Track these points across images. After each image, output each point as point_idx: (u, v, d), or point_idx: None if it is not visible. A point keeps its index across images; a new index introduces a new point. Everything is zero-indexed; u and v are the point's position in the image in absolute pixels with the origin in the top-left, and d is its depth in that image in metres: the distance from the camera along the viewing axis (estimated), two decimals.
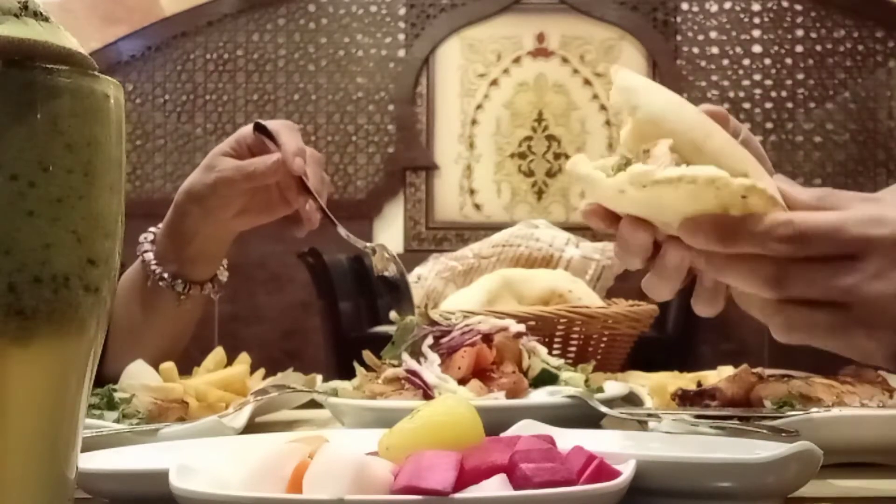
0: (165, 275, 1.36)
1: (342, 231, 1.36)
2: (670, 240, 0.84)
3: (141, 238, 1.39)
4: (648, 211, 0.84)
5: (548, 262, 1.64)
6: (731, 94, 5.29)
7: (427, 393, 1.06)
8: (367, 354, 1.18)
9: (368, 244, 1.37)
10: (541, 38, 5.36)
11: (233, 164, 1.33)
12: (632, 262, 0.86)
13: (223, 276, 1.43)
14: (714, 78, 5.30)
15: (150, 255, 1.37)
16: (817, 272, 0.78)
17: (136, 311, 1.39)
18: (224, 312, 4.21)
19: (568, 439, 0.69)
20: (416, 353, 1.12)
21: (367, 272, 4.75)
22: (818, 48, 5.26)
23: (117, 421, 0.98)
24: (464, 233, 5.22)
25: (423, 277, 1.65)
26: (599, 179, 0.83)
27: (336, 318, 4.23)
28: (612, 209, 0.85)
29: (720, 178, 0.79)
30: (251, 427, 1.04)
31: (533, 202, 5.33)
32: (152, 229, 1.40)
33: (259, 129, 1.35)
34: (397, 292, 1.30)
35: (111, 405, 1.02)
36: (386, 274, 1.33)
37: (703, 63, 5.31)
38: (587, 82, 5.34)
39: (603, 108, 5.33)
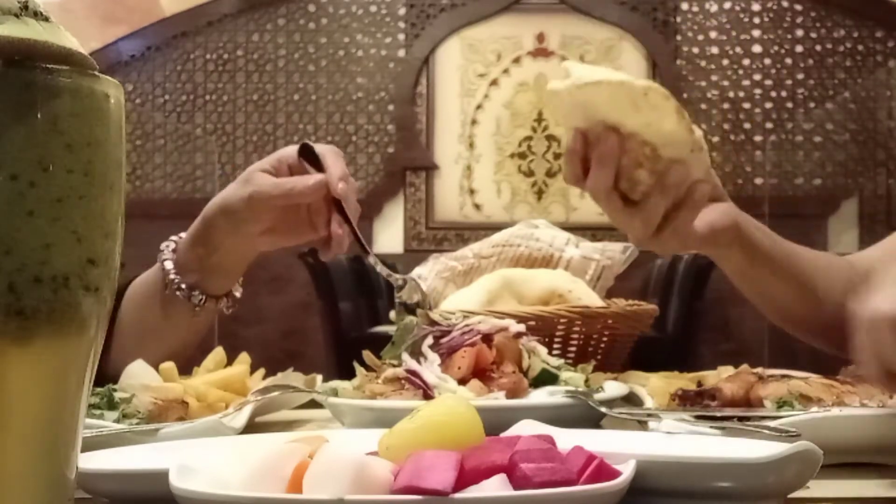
0: (183, 285, 1.37)
1: (372, 260, 1.38)
2: (605, 129, 1.18)
3: (162, 246, 1.40)
4: (586, 113, 1.18)
5: (548, 262, 1.64)
6: (731, 94, 5.29)
7: (427, 393, 1.06)
8: (367, 354, 1.18)
9: (399, 276, 1.38)
10: (541, 38, 5.36)
11: (271, 181, 1.34)
12: (571, 168, 1.25)
13: (238, 291, 1.44)
14: (714, 78, 5.30)
15: (169, 264, 1.37)
16: None
17: (148, 316, 1.40)
18: (224, 313, 4.21)
19: (568, 439, 0.69)
20: (416, 353, 1.12)
21: (366, 272, 4.76)
22: (818, 48, 5.26)
23: (117, 421, 0.98)
24: (464, 233, 5.23)
25: (423, 277, 1.64)
26: (557, 87, 1.17)
27: (336, 318, 4.24)
28: (570, 124, 1.20)
29: (626, 80, 1.14)
30: (251, 427, 1.04)
31: (533, 202, 5.33)
32: (174, 238, 1.40)
33: (304, 151, 1.36)
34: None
35: (111, 405, 1.02)
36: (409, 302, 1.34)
37: (703, 63, 5.31)
38: None
39: None
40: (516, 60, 5.37)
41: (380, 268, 1.38)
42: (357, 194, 1.39)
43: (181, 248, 1.38)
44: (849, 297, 1.37)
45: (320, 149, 1.36)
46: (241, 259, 1.41)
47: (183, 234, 1.40)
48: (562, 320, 1.40)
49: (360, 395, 1.10)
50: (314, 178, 1.33)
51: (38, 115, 0.47)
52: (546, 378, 1.11)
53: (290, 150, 1.38)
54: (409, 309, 1.29)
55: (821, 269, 1.41)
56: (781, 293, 1.38)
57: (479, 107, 5.37)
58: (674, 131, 1.16)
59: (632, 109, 1.15)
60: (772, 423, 0.88)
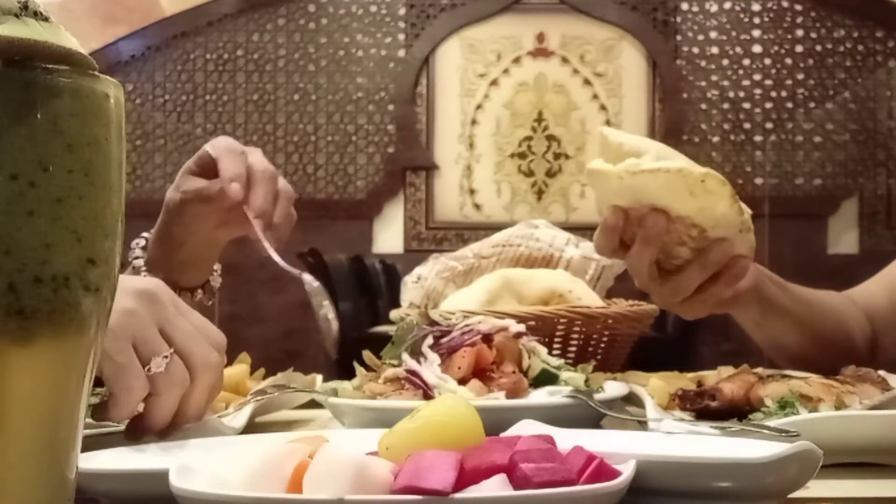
0: None
1: (276, 257, 1.34)
2: (652, 211, 1.17)
3: (133, 244, 1.39)
4: (634, 195, 1.17)
5: (548, 262, 1.64)
6: (731, 94, 5.29)
7: (427, 393, 1.06)
8: (367, 354, 1.18)
9: (297, 271, 1.37)
10: (541, 38, 5.36)
11: (192, 187, 1.34)
12: (608, 243, 1.22)
13: (216, 281, 1.43)
14: (714, 78, 5.30)
15: (139, 262, 1.37)
16: None
17: None
18: (224, 312, 4.21)
19: (568, 439, 0.69)
20: (416, 353, 1.12)
21: (366, 272, 4.76)
22: (818, 48, 5.26)
23: (117, 421, 0.98)
24: (464, 233, 5.23)
25: (423, 277, 1.64)
26: (607, 169, 1.16)
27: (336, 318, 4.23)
28: (613, 202, 1.19)
29: (686, 167, 1.14)
30: (251, 427, 1.04)
31: (533, 202, 5.33)
32: (144, 234, 1.40)
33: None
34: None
35: None
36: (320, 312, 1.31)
37: (703, 63, 5.31)
38: (587, 82, 5.34)
39: (603, 108, 5.33)
40: (516, 60, 5.37)
41: (283, 265, 1.36)
42: (274, 181, 1.33)
43: (150, 245, 1.38)
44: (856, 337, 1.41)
45: (215, 150, 1.34)
46: (209, 250, 1.40)
47: (153, 231, 1.39)
48: (562, 320, 1.40)
49: (360, 395, 1.09)
50: (217, 184, 1.32)
51: (38, 115, 0.47)
52: (546, 378, 1.11)
53: (203, 151, 1.37)
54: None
55: (830, 313, 1.43)
56: (794, 341, 1.40)
57: (479, 107, 5.37)
58: (726, 214, 1.17)
59: (686, 195, 1.15)
60: (772, 423, 0.88)
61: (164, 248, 1.36)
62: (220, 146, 1.35)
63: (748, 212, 1.20)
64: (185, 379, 0.90)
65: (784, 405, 0.95)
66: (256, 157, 1.34)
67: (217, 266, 1.43)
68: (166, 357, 0.88)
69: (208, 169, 1.35)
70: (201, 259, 1.39)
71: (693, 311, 1.28)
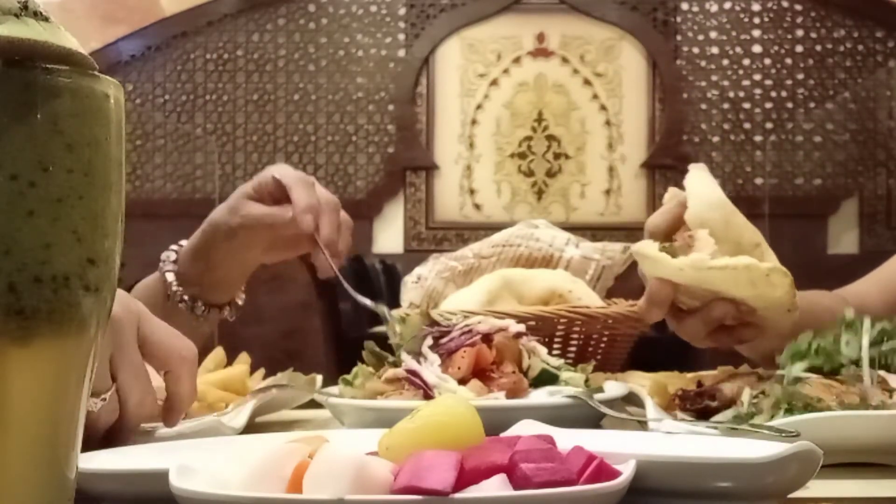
0: (186, 296, 1.36)
1: (349, 289, 1.37)
2: (717, 300, 1.19)
3: (163, 256, 1.39)
4: (694, 282, 1.18)
5: (548, 262, 1.64)
6: (731, 94, 5.29)
7: (427, 393, 1.06)
8: (370, 346, 1.18)
9: (370, 302, 1.38)
10: (541, 38, 5.36)
11: (255, 213, 1.34)
12: (659, 313, 1.21)
13: (240, 299, 1.44)
14: (714, 78, 5.30)
15: (171, 276, 1.37)
16: None
17: None
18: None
19: (568, 439, 0.69)
20: (416, 353, 1.12)
21: (367, 272, 4.76)
22: (818, 48, 5.26)
23: None
24: (464, 233, 5.22)
25: (423, 277, 1.64)
26: (667, 261, 1.17)
27: (336, 318, 4.23)
28: (664, 277, 1.19)
29: (752, 264, 1.15)
30: (251, 427, 1.04)
31: (533, 202, 5.33)
32: (174, 247, 1.39)
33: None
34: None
35: None
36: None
37: (703, 63, 5.31)
38: (587, 82, 5.34)
39: (603, 108, 5.33)
40: (516, 60, 5.37)
41: (359, 298, 1.38)
42: (338, 210, 1.36)
43: (182, 261, 1.38)
44: None
45: (287, 179, 1.35)
46: (242, 273, 1.41)
47: (184, 242, 1.39)
48: (562, 320, 1.40)
49: (361, 395, 1.10)
50: (288, 212, 1.33)
51: (38, 115, 0.47)
52: (546, 378, 1.11)
53: (268, 176, 1.37)
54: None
55: (825, 315, 1.42)
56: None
57: (479, 107, 5.37)
58: (780, 298, 1.20)
59: (747, 285, 1.17)
60: (772, 423, 0.88)
61: (200, 265, 1.36)
62: (290, 175, 1.37)
63: (797, 294, 1.23)
64: (109, 422, 0.91)
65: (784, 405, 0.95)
66: (321, 188, 1.37)
67: (243, 285, 1.44)
68: (104, 399, 0.89)
69: (269, 195, 1.36)
70: (234, 280, 1.40)
71: (708, 345, 1.31)
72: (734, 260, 1.16)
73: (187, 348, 0.95)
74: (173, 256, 1.39)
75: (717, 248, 1.17)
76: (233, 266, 1.37)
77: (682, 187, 1.25)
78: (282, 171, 1.38)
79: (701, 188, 1.22)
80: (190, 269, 1.37)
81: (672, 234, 1.22)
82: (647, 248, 1.20)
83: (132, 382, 0.91)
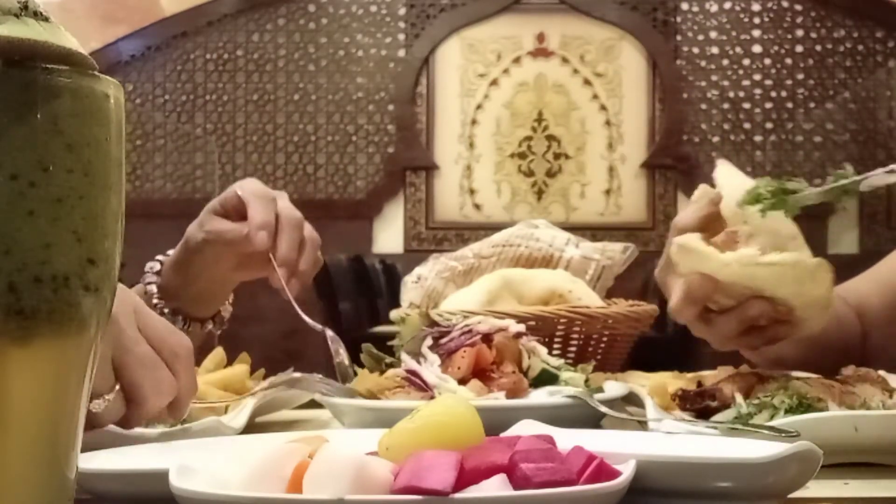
0: (166, 310, 1.35)
1: (297, 309, 1.34)
2: (754, 298, 1.14)
3: (147, 267, 1.38)
4: (738, 279, 1.13)
5: (548, 262, 1.63)
6: (731, 94, 5.29)
7: (427, 393, 1.06)
8: (368, 348, 1.18)
9: (320, 326, 1.37)
10: (541, 38, 5.36)
11: (217, 228, 1.32)
12: (692, 310, 1.16)
13: (227, 311, 1.42)
14: (714, 78, 5.30)
15: (153, 288, 1.36)
16: None
17: None
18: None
19: (568, 439, 0.69)
20: (416, 354, 1.12)
21: (366, 272, 4.76)
22: (818, 48, 5.26)
23: None
24: (464, 233, 5.23)
25: (423, 277, 1.64)
26: (713, 254, 1.13)
27: (336, 318, 4.23)
28: (703, 271, 1.14)
29: (801, 260, 1.12)
30: (251, 427, 1.04)
31: (533, 202, 5.33)
32: (159, 258, 1.38)
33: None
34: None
35: None
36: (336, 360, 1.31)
37: (703, 63, 5.31)
38: (587, 82, 5.34)
39: (603, 108, 5.33)
40: (516, 60, 5.37)
41: (306, 319, 1.36)
42: (300, 228, 1.32)
43: (164, 273, 1.36)
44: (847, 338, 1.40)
45: (245, 194, 1.33)
46: (221, 290, 1.39)
47: (170, 252, 1.38)
48: (562, 320, 1.40)
49: (361, 395, 1.10)
50: (244, 229, 1.31)
51: (38, 115, 0.47)
52: (546, 378, 1.11)
53: (231, 191, 1.36)
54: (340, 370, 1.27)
55: (830, 324, 1.42)
56: (790, 351, 1.38)
57: (479, 107, 5.37)
58: (822, 296, 1.16)
59: (791, 283, 1.13)
60: (772, 423, 0.88)
61: (179, 279, 1.35)
62: (249, 189, 1.33)
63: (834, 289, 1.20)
64: (112, 422, 0.90)
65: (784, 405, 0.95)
66: (284, 203, 1.33)
67: (230, 296, 1.43)
68: (107, 399, 0.88)
69: (234, 210, 1.34)
70: (214, 295, 1.39)
71: (731, 348, 1.26)
72: (783, 256, 1.12)
73: (181, 343, 0.95)
74: (157, 267, 1.37)
75: (762, 244, 1.13)
76: (209, 281, 1.36)
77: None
78: (244, 185, 1.35)
79: (734, 181, 1.18)
80: (171, 282, 1.36)
81: (703, 233, 1.17)
82: (692, 242, 1.14)
83: (143, 373, 0.90)
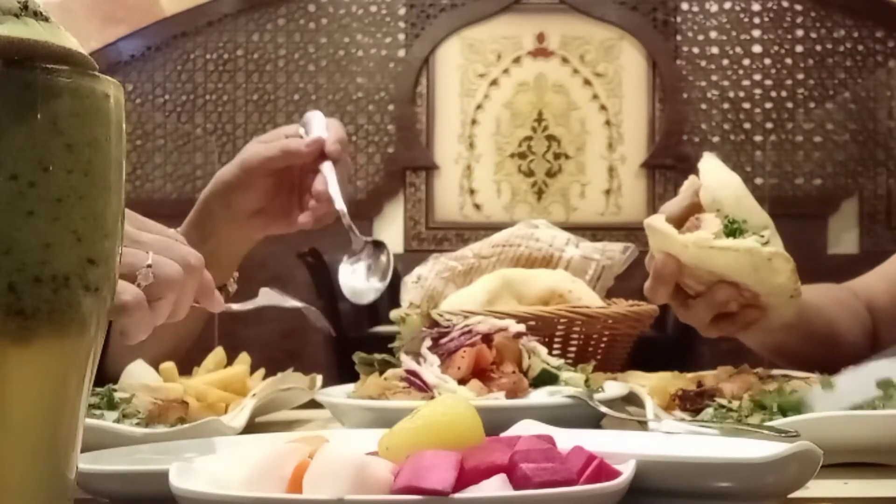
0: None
1: (346, 220, 1.36)
2: (720, 283, 1.21)
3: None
4: (698, 263, 1.20)
5: (548, 262, 1.63)
6: (731, 94, 5.29)
7: (427, 393, 1.05)
8: (360, 356, 1.17)
9: (369, 238, 1.38)
10: (541, 38, 5.36)
11: (264, 144, 1.34)
12: (664, 291, 1.24)
13: (232, 287, 1.43)
14: (714, 78, 5.30)
15: None
16: None
17: None
18: (224, 312, 4.21)
19: (568, 439, 0.69)
20: (416, 354, 1.12)
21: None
22: (818, 48, 5.26)
23: (117, 421, 0.98)
24: (464, 233, 5.22)
25: (423, 277, 1.64)
26: (673, 235, 1.19)
27: (336, 318, 4.23)
28: (670, 253, 1.21)
29: (754, 248, 1.16)
30: (251, 427, 1.04)
31: (533, 202, 5.33)
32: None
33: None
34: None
35: (111, 405, 1.01)
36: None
37: (703, 63, 5.31)
38: (587, 82, 5.34)
39: (603, 108, 5.33)
40: (516, 60, 5.37)
41: (352, 230, 1.38)
42: (350, 168, 1.37)
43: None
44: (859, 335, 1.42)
45: (323, 118, 1.37)
46: (236, 249, 1.39)
47: (178, 229, 1.39)
48: (562, 320, 1.40)
49: (360, 395, 1.10)
50: (309, 137, 1.33)
51: (38, 115, 0.47)
52: (546, 378, 1.11)
53: (293, 127, 1.38)
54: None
55: (835, 317, 1.43)
56: (794, 344, 1.40)
57: (479, 107, 5.37)
58: (782, 284, 1.21)
59: (750, 270, 1.18)
60: (772, 423, 0.88)
61: (192, 238, 1.35)
62: (328, 119, 1.38)
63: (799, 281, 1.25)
64: (178, 272, 0.91)
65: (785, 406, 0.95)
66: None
67: (235, 273, 1.43)
68: (149, 266, 0.89)
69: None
70: (224, 259, 1.39)
71: (715, 335, 1.33)
72: (737, 242, 1.17)
73: (188, 257, 0.96)
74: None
75: (721, 230, 1.18)
76: (225, 238, 1.36)
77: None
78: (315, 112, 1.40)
79: (714, 170, 1.25)
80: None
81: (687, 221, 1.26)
82: (656, 222, 1.23)
83: (163, 250, 0.92)
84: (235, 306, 1.20)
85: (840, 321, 1.44)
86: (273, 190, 1.35)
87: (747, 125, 5.28)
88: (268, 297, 1.26)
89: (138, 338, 0.90)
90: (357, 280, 1.35)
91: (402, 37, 5.37)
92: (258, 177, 1.34)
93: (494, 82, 5.38)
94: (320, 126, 1.36)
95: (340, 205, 1.34)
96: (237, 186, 1.34)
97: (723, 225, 1.19)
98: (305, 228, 1.39)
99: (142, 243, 0.92)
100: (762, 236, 1.19)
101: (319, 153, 1.33)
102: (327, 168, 1.33)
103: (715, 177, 1.24)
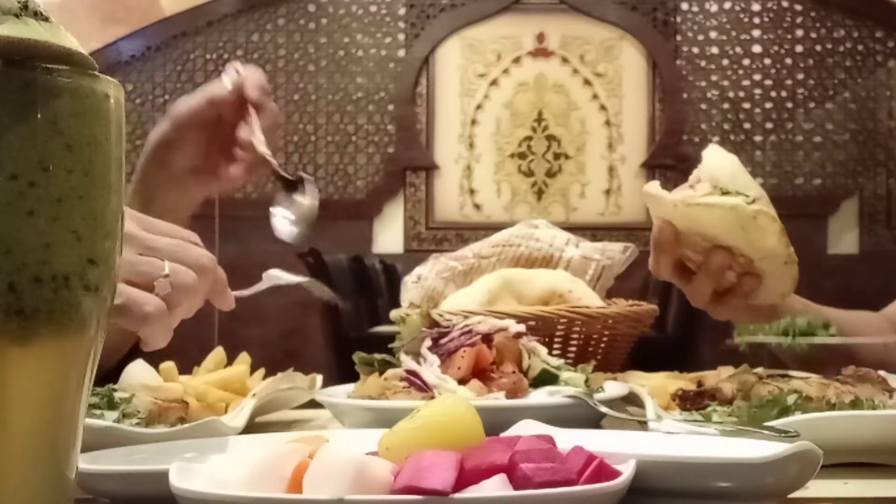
0: None
1: (273, 163, 1.36)
2: (714, 249, 1.27)
3: None
4: (689, 224, 1.25)
5: (548, 262, 1.63)
6: (731, 94, 5.29)
7: (427, 393, 1.05)
8: (360, 356, 1.17)
9: (294, 176, 1.39)
10: (541, 38, 5.36)
11: (185, 104, 1.36)
12: (665, 262, 1.31)
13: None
14: (714, 78, 5.30)
15: None
16: None
17: None
18: (224, 312, 4.21)
19: (568, 439, 0.69)
20: (416, 354, 1.12)
21: (366, 272, 4.75)
22: (818, 48, 5.26)
23: (117, 421, 0.98)
24: (464, 233, 5.22)
25: (423, 277, 1.64)
26: (664, 195, 1.26)
27: (336, 318, 4.23)
28: (668, 219, 1.28)
29: (738, 204, 1.20)
30: (251, 427, 1.04)
31: (533, 202, 5.33)
32: None
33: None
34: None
35: (111, 405, 1.01)
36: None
37: (703, 63, 5.31)
38: (587, 82, 5.34)
39: (603, 108, 5.33)
40: (516, 60, 5.37)
41: (280, 170, 1.38)
42: (278, 116, 1.38)
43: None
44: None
45: (243, 67, 1.39)
46: (178, 212, 1.39)
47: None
48: (562, 320, 1.40)
49: (361, 395, 1.10)
50: (229, 82, 1.35)
51: (38, 115, 0.47)
52: (546, 378, 1.11)
53: (216, 81, 1.39)
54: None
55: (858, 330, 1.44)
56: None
57: (479, 107, 5.37)
58: (773, 248, 1.25)
59: (738, 229, 1.23)
60: (772, 423, 0.88)
61: (136, 204, 1.35)
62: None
63: (791, 247, 1.29)
64: (194, 279, 0.93)
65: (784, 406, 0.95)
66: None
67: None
68: (166, 275, 0.90)
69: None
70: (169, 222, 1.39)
71: (725, 315, 1.37)
72: (721, 199, 1.22)
73: (202, 258, 0.97)
74: None
75: (710, 192, 1.23)
76: (165, 200, 1.36)
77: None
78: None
79: (714, 150, 1.32)
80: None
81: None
82: (652, 188, 1.29)
83: (177, 254, 0.93)
84: (244, 293, 1.20)
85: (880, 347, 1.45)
86: (206, 145, 1.36)
87: (747, 125, 5.28)
88: (272, 278, 1.27)
89: (158, 345, 0.91)
90: (281, 223, 1.35)
91: (401, 37, 5.37)
92: (189, 130, 1.35)
93: (494, 82, 5.38)
94: (242, 74, 1.39)
95: (263, 148, 1.34)
96: (170, 144, 1.35)
97: (715, 190, 1.24)
98: (239, 182, 1.39)
99: (156, 249, 0.92)
100: (747, 196, 1.23)
101: (245, 106, 1.35)
102: (252, 116, 1.34)
103: (713, 154, 1.30)
